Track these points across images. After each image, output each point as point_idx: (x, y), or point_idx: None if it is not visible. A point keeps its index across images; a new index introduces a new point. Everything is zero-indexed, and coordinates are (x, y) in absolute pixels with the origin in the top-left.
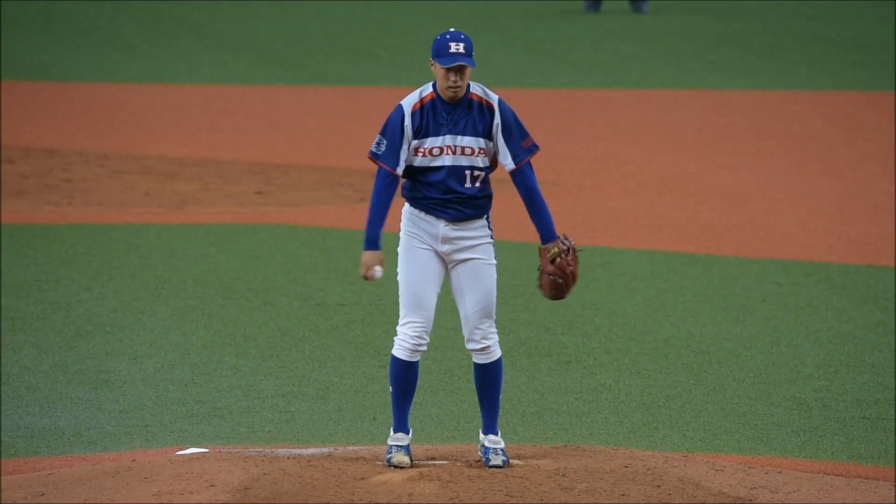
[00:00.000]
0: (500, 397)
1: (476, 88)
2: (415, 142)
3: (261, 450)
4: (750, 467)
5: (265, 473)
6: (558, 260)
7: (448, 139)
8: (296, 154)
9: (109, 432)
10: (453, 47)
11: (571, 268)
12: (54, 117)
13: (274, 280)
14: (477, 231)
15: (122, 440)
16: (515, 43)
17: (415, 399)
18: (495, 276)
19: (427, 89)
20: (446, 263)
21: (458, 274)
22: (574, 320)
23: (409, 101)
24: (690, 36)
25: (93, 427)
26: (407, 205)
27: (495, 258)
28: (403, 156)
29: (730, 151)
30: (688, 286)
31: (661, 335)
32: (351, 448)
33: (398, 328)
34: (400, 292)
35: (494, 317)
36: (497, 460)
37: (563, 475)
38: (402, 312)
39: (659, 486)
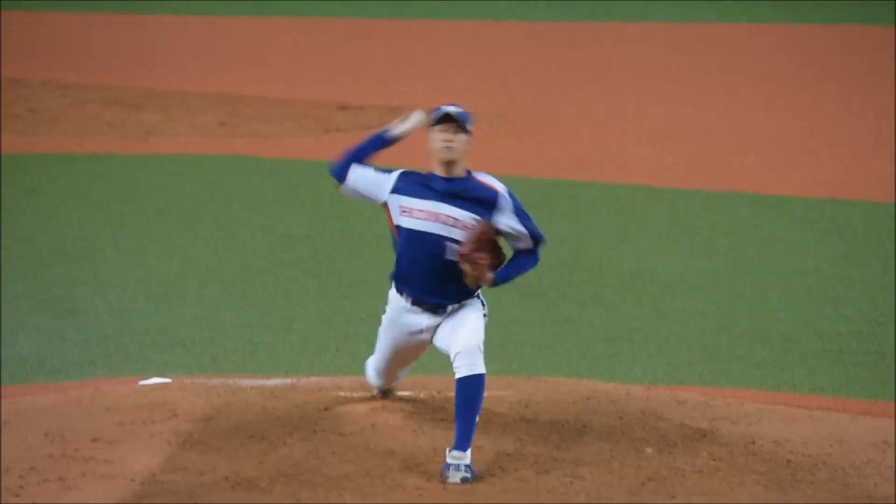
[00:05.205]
0: (477, 416)
1: (482, 175)
2: (403, 199)
3: (224, 380)
4: (712, 399)
5: (228, 404)
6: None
7: (432, 205)
8: (261, 86)
9: (73, 361)
10: (446, 108)
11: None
12: (19, 47)
13: (238, 212)
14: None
15: (85, 369)
16: None
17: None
18: (482, 324)
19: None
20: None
21: (441, 331)
22: None
23: (404, 168)
24: None
25: (56, 356)
26: (392, 288)
27: (485, 315)
28: (360, 182)
29: (696, 89)
30: (652, 220)
31: (625, 268)
32: (314, 379)
33: (369, 370)
34: (377, 350)
35: (481, 350)
36: (456, 477)
37: (527, 406)
38: (375, 363)
39: (621, 418)
